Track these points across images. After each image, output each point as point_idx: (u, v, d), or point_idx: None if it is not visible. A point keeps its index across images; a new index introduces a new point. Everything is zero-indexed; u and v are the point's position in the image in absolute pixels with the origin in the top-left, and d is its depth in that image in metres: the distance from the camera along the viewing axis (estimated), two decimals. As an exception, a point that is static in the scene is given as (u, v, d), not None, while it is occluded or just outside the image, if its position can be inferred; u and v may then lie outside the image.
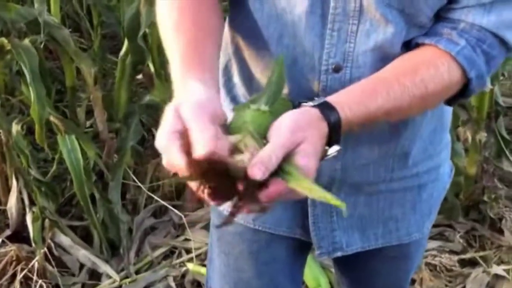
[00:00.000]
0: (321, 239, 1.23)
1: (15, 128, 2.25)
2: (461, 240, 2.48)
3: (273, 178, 0.82)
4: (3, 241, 2.37)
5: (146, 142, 2.60)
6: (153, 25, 2.27)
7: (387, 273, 1.37)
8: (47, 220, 2.33)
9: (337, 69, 1.04)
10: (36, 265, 2.22)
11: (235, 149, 0.83)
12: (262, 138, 0.86)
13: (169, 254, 2.44)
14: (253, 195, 0.82)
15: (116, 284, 2.29)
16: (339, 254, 1.25)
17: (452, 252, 2.43)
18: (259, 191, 0.82)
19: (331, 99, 0.95)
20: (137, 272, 2.35)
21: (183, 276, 2.33)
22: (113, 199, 2.39)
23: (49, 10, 2.28)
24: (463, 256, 2.41)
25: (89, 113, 2.65)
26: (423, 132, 1.17)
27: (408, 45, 1.04)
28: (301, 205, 1.19)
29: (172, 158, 0.81)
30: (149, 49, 2.36)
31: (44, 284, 2.20)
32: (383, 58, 1.02)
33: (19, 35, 2.25)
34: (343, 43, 1.02)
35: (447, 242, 2.47)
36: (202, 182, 0.82)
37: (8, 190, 2.42)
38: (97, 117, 2.46)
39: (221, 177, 0.81)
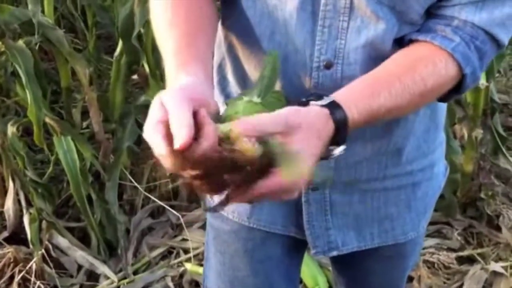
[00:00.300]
0: (316, 238, 1.23)
1: (11, 129, 2.25)
2: (458, 238, 2.48)
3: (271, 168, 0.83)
4: (0, 243, 2.38)
5: (142, 142, 2.60)
6: (147, 25, 2.28)
7: (383, 272, 1.37)
8: (44, 222, 2.34)
9: (328, 66, 1.04)
10: (34, 266, 2.22)
11: (224, 137, 0.83)
12: None
13: (167, 254, 2.44)
14: (247, 186, 0.82)
15: (114, 285, 2.29)
16: (334, 253, 1.25)
17: (450, 249, 2.43)
18: (253, 183, 0.82)
19: (337, 97, 0.95)
20: (135, 272, 2.35)
21: (181, 276, 2.33)
22: (110, 199, 2.39)
23: (43, 11, 2.27)
24: (461, 254, 2.42)
25: (85, 114, 2.65)
26: (416, 130, 1.17)
27: (400, 42, 1.04)
28: (296, 203, 1.19)
29: (157, 149, 0.81)
30: (144, 49, 2.36)
31: (42, 286, 2.21)
32: (374, 54, 1.03)
33: (14, 36, 2.25)
34: (334, 40, 1.03)
35: (444, 240, 2.47)
36: (192, 172, 0.81)
37: (4, 192, 2.42)
38: (92, 118, 2.46)
39: (212, 166, 0.81)
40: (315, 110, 0.92)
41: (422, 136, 1.19)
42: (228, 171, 0.82)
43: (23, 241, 2.34)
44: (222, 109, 0.92)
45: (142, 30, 2.34)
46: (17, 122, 2.30)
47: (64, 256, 2.36)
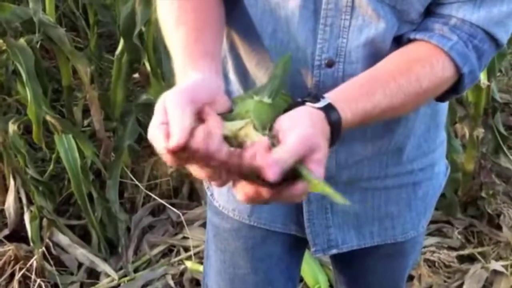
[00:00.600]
0: (316, 235, 1.23)
1: (12, 127, 2.25)
2: (459, 236, 2.48)
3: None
4: (1, 240, 2.38)
5: (143, 140, 2.60)
6: (148, 23, 2.28)
7: (383, 271, 1.38)
8: (45, 219, 2.34)
9: (329, 64, 1.04)
10: (34, 264, 2.23)
11: (235, 136, 0.83)
12: (263, 129, 0.86)
13: (168, 252, 2.45)
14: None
15: (115, 282, 2.29)
16: (334, 251, 1.25)
17: (450, 248, 2.43)
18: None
19: (332, 98, 0.94)
20: (136, 270, 2.35)
21: (182, 274, 2.33)
22: (111, 197, 2.39)
23: (44, 10, 2.27)
24: (461, 252, 2.42)
25: (86, 112, 2.66)
26: (417, 129, 1.17)
27: (399, 40, 1.04)
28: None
29: (159, 150, 0.82)
30: (145, 48, 2.36)
31: (42, 283, 2.21)
32: (374, 53, 1.02)
33: (15, 35, 2.25)
34: (335, 38, 1.03)
35: (445, 238, 2.47)
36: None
37: (5, 189, 2.43)
38: (93, 116, 2.46)
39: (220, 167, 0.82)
40: (319, 116, 0.91)
41: (423, 135, 1.19)
42: (240, 176, 0.83)
43: (24, 239, 2.35)
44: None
45: (143, 29, 2.34)
46: (18, 120, 2.31)
47: (65, 254, 2.37)
